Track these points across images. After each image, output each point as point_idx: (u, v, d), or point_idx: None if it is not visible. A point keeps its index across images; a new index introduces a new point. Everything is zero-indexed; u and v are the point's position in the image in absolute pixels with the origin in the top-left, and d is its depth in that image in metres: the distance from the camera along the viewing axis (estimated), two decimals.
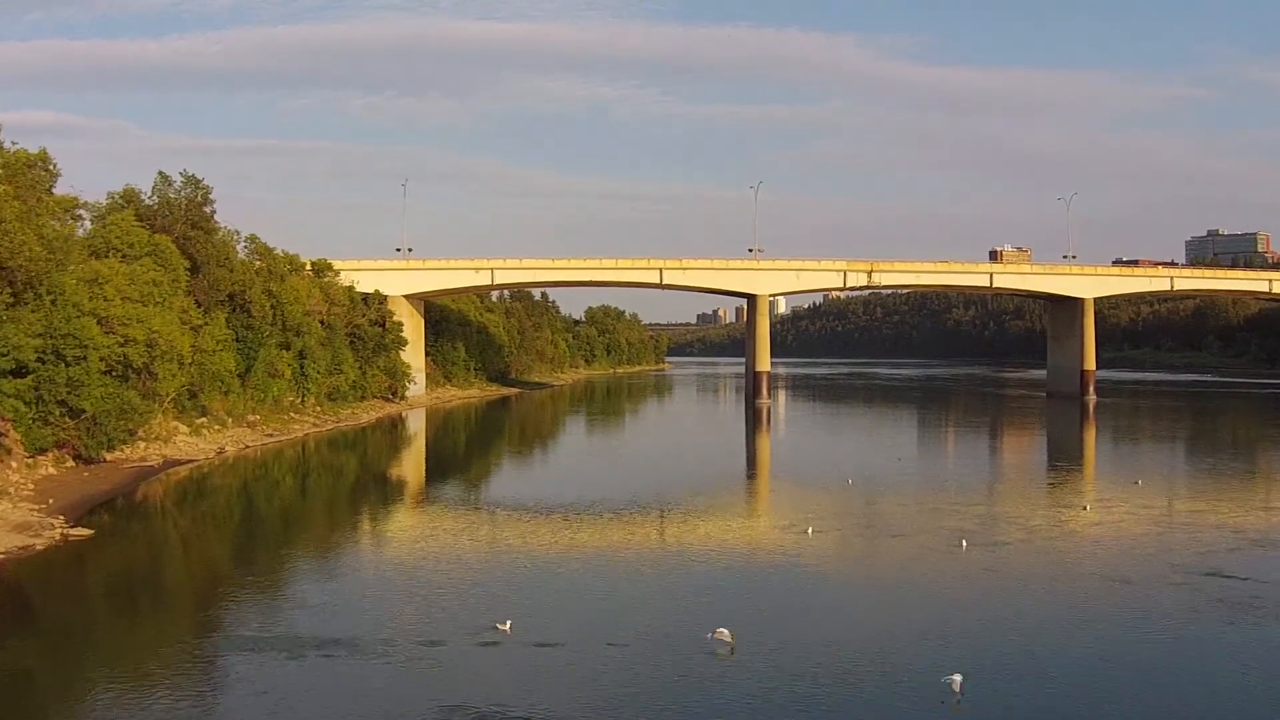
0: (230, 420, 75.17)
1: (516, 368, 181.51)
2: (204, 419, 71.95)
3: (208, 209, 79.50)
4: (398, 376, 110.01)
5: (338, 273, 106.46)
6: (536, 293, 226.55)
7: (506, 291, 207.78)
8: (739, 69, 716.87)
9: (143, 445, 61.63)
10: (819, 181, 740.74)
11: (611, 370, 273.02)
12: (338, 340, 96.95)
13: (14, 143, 55.85)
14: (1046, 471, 66.10)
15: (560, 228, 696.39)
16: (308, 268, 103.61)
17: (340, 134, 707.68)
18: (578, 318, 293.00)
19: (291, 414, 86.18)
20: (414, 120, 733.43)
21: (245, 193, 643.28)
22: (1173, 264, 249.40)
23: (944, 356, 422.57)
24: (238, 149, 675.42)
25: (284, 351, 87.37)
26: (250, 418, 78.31)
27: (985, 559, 36.01)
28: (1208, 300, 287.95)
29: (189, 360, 68.37)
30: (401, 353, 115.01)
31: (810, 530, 40.17)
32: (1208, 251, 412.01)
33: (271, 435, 76.81)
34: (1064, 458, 74.68)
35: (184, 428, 68.30)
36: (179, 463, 61.39)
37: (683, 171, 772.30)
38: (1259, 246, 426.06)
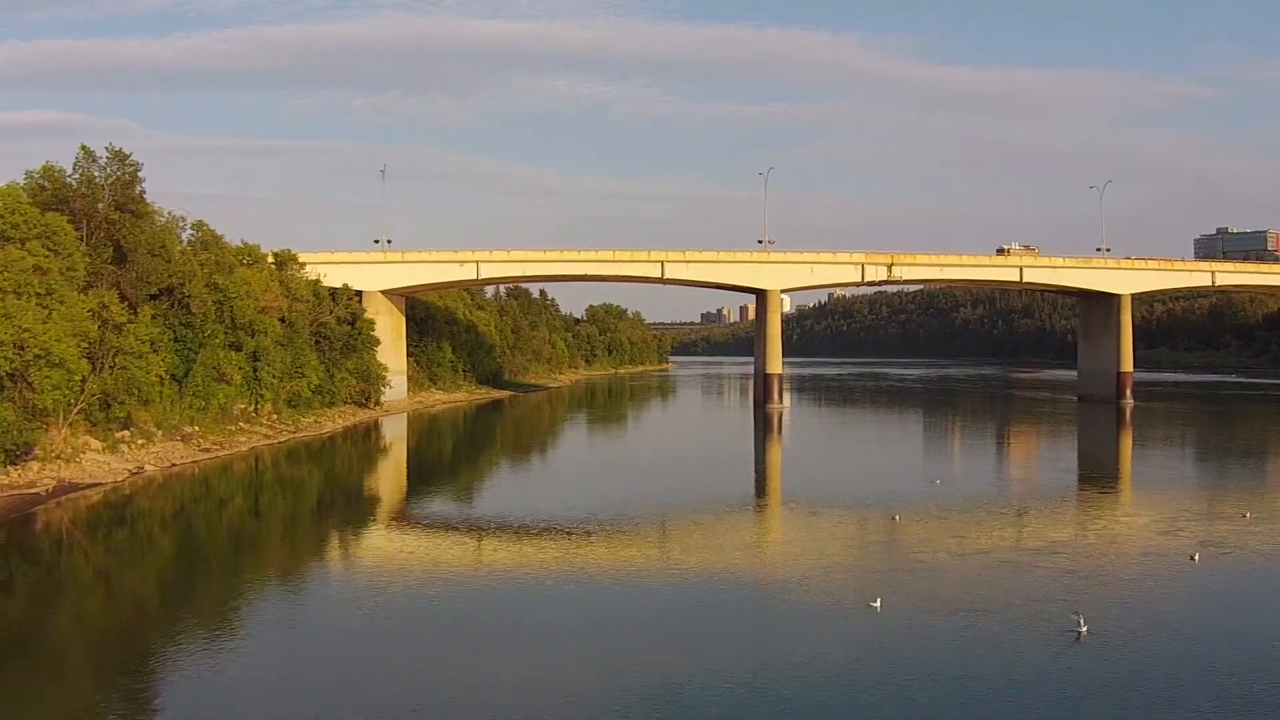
0: (160, 433, 64.82)
1: (510, 369, 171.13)
2: (126, 432, 61.64)
3: (137, 188, 69.18)
4: (371, 380, 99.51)
5: (303, 265, 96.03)
6: (535, 291, 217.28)
7: (503, 289, 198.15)
8: (742, 68, 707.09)
9: (36, 466, 51.45)
10: (823, 181, 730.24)
11: (613, 370, 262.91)
12: (300, 340, 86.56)
13: None
14: (1114, 498, 55.34)
15: (562, 228, 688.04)
16: (269, 260, 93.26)
17: (344, 134, 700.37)
18: (579, 316, 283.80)
19: (241, 424, 75.80)
20: (417, 120, 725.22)
21: (248, 192, 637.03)
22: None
23: (951, 356, 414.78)
24: (241, 149, 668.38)
25: (233, 353, 77.05)
26: (187, 429, 67.96)
27: (1115, 657, 25.49)
28: (1225, 299, 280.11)
29: (108, 364, 58.62)
30: (377, 353, 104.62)
31: (878, 603, 29.74)
32: (1217, 249, 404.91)
33: (209, 450, 66.43)
34: (1127, 478, 64.12)
35: (96, 443, 57.99)
36: (79, 487, 51.16)
37: (687, 171, 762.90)
38: (1269, 244, 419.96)
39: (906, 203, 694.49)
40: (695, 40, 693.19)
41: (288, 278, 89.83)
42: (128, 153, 69.09)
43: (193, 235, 79.92)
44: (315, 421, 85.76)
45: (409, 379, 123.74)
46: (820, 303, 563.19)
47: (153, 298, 70.46)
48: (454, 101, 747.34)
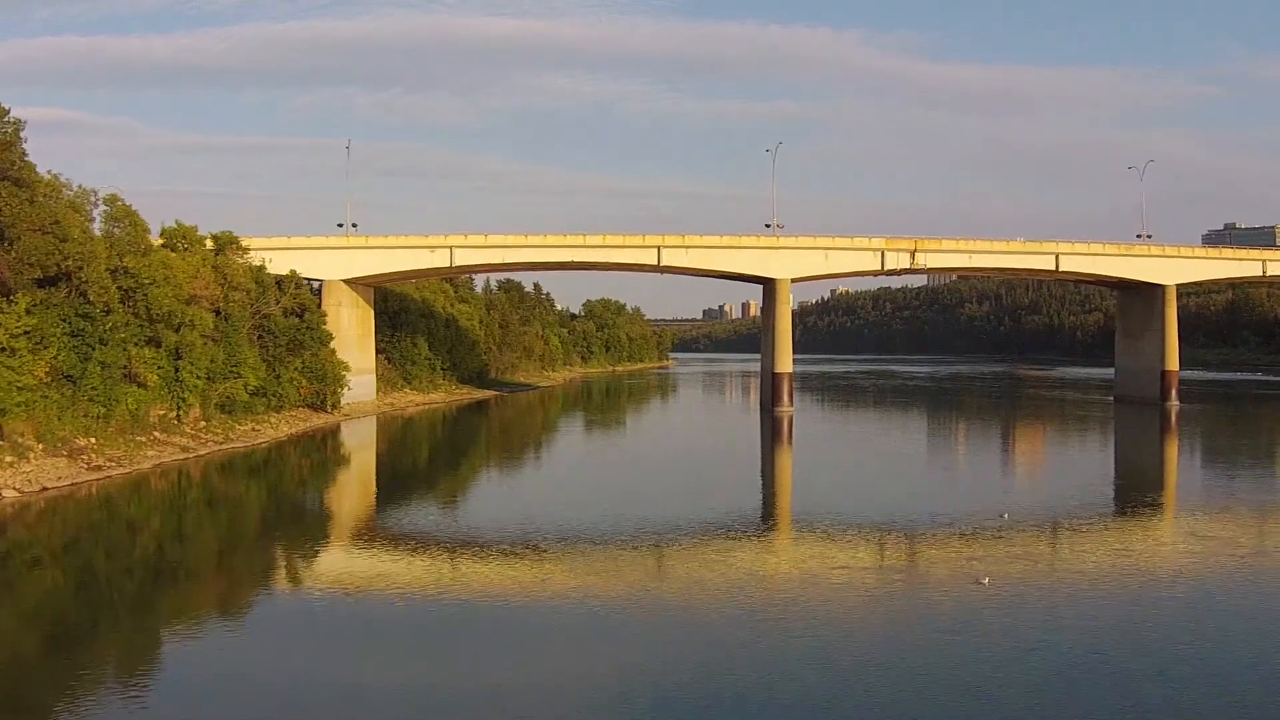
0: (40, 447, 52.90)
1: (497, 367, 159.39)
2: None
3: (19, 150, 57.23)
4: (327, 380, 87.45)
5: (246, 250, 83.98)
6: (529, 284, 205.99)
7: (494, 282, 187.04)
8: (746, 66, 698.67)
9: None
10: (826, 180, 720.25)
11: (610, 368, 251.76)
12: (237, 335, 74.66)
13: None
14: (1239, 543, 43.07)
15: (565, 226, 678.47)
16: (208, 244, 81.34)
17: (347, 131, 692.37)
18: (575, 312, 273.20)
19: (156, 434, 63.89)
20: (420, 118, 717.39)
21: (252, 190, 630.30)
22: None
23: (957, 352, 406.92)
24: (245, 146, 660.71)
25: (150, 349, 65.20)
26: (79, 442, 56.00)
27: None
28: (1242, 294, 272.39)
29: None
30: (338, 350, 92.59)
31: None
32: (1225, 246, 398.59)
33: (102, 467, 54.36)
34: (1235, 509, 51.84)
35: None
36: None
37: (689, 169, 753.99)
38: (1277, 240, 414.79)
39: (910, 201, 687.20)
40: (698, 38, 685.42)
41: (224, 263, 77.79)
42: (7, 108, 57.31)
43: (105, 211, 67.96)
44: (253, 429, 73.81)
45: (379, 378, 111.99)
46: (823, 298, 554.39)
47: (44, 284, 58.82)
48: (456, 99, 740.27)
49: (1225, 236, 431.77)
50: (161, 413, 66.51)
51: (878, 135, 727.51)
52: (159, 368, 65.80)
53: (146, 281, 64.06)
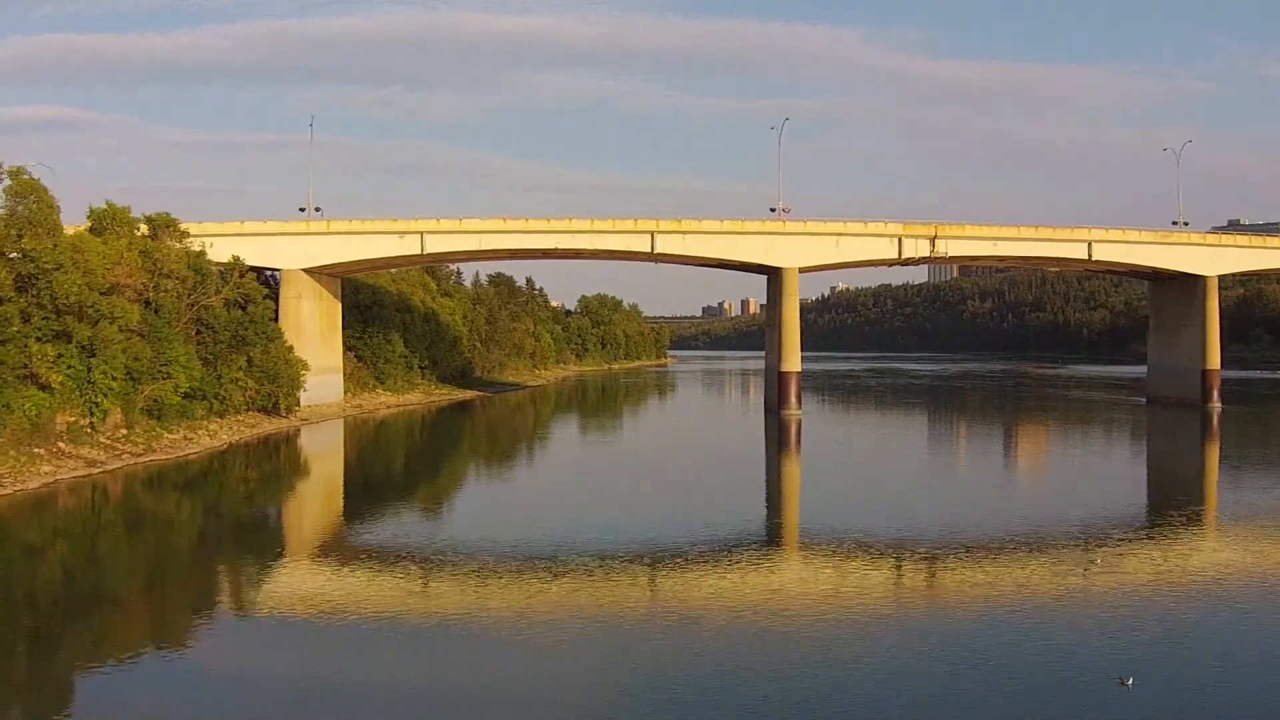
0: None
1: (484, 365, 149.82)
2: None
3: None
4: (281, 380, 77.78)
5: (186, 234, 74.36)
6: (521, 278, 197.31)
7: (484, 276, 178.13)
8: (746, 63, 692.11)
9: None
10: (826, 178, 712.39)
11: (606, 366, 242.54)
12: (168, 330, 65.11)
13: None
14: None
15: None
16: (142, 229, 71.80)
17: (348, 129, 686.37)
18: (570, 308, 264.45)
19: (61, 444, 54.34)
20: (422, 115, 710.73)
21: (252, 187, 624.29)
22: None
23: (960, 350, 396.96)
24: (245, 144, 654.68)
25: (54, 345, 55.71)
26: None
27: None
28: (1254, 289, 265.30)
29: None
30: (296, 346, 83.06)
31: None
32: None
33: None
34: None
35: None
36: None
37: (692, 165, 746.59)
38: None
39: (911, 199, 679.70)
40: (698, 35, 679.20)
41: (155, 248, 68.17)
42: None
43: (8, 187, 58.46)
44: (185, 438, 64.14)
45: (347, 377, 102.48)
46: (824, 295, 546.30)
47: None
48: (459, 96, 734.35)
49: (1228, 233, 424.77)
50: (71, 420, 56.94)
51: (878, 133, 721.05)
52: (68, 367, 56.31)
53: (50, 267, 54.55)
